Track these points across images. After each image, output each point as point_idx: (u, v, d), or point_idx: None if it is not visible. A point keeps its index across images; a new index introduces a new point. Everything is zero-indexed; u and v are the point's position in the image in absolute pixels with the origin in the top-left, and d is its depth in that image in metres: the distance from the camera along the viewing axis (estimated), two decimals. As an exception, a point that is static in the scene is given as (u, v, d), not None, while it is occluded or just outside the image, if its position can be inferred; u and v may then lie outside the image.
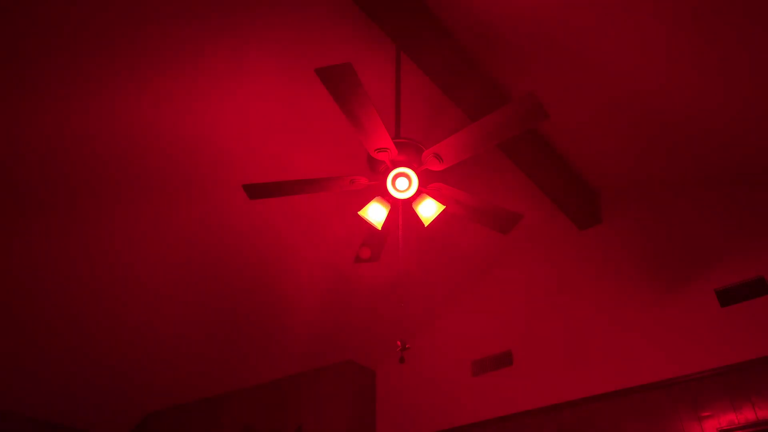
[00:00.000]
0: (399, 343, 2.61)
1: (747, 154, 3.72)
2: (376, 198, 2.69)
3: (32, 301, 4.07)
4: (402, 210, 3.04)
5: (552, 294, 4.58)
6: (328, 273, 4.49)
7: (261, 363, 5.14)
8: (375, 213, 2.66)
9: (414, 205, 2.69)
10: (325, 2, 3.02)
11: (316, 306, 4.71)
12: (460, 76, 3.30)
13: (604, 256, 4.45)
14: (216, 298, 4.45)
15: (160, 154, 3.45)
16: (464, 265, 4.90)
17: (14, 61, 2.84)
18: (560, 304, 4.49)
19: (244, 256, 4.20)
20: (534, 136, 3.82)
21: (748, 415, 3.38)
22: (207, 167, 3.60)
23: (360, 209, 2.67)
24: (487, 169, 4.14)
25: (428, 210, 2.64)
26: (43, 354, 4.52)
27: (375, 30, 3.18)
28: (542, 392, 4.23)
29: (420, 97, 3.58)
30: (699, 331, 3.77)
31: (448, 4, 3.02)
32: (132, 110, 3.20)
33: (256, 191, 2.67)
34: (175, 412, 5.60)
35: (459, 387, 4.70)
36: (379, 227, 2.67)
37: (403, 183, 2.57)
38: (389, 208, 2.70)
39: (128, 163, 3.45)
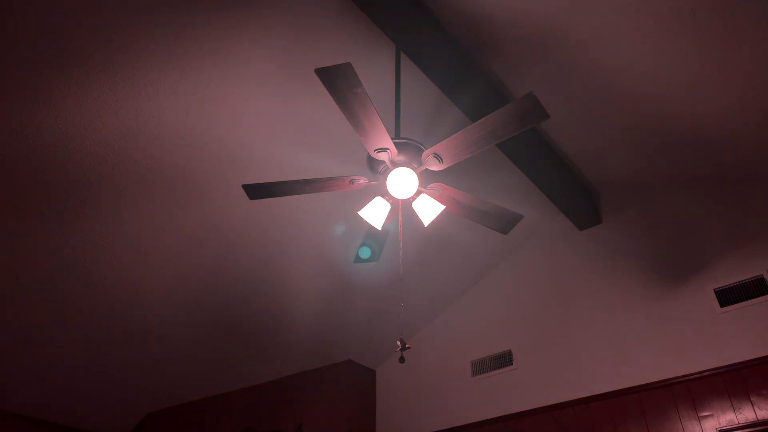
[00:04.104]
0: (399, 342, 2.61)
1: (747, 154, 3.72)
2: (376, 198, 2.69)
3: (32, 300, 4.07)
4: (402, 210, 3.04)
5: (552, 294, 4.58)
6: (328, 273, 4.49)
7: (261, 363, 5.15)
8: (375, 213, 2.66)
9: (414, 205, 2.69)
10: (326, 2, 3.02)
11: (316, 306, 4.71)
12: (460, 76, 3.30)
13: (604, 256, 4.45)
14: (216, 297, 4.45)
15: (160, 154, 3.45)
16: (464, 265, 4.90)
17: (14, 59, 2.84)
18: (560, 303, 4.49)
19: (243, 256, 4.20)
20: (534, 136, 3.82)
21: (748, 415, 3.38)
22: (207, 167, 3.60)
23: (360, 209, 2.67)
24: (487, 169, 4.14)
25: (428, 210, 2.64)
26: (43, 354, 4.52)
27: (375, 30, 3.18)
28: (542, 392, 4.23)
29: (420, 97, 3.59)
30: (699, 331, 3.77)
31: (447, 4, 3.02)
32: (133, 110, 3.20)
33: (256, 191, 2.67)
34: (175, 412, 5.60)
35: (459, 387, 4.70)
36: (379, 227, 2.67)
37: (403, 183, 2.57)
38: (389, 208, 2.70)
39: (128, 164, 3.45)
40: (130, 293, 4.22)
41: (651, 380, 3.80)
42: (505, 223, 2.92)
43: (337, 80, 2.15)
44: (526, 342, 4.53)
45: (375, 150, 2.49)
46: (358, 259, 3.16)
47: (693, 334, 3.79)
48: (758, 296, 3.64)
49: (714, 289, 3.83)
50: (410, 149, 2.59)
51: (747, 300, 3.67)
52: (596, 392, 3.99)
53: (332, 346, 5.04)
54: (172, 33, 2.94)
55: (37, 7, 2.67)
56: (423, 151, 2.59)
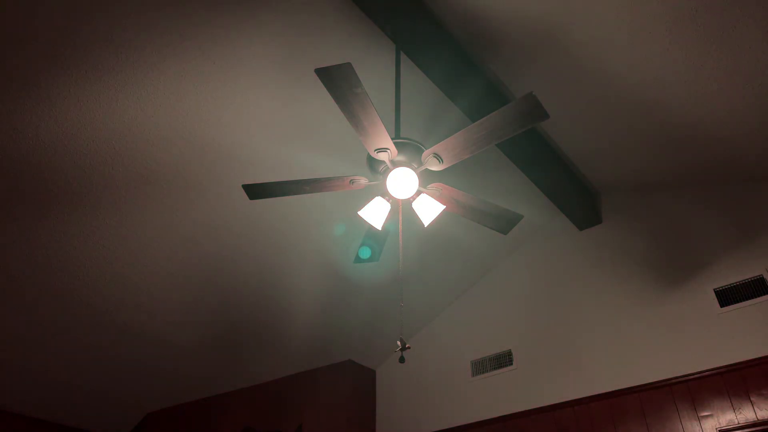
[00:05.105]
0: (399, 342, 2.61)
1: (747, 155, 3.72)
2: (376, 198, 2.69)
3: (32, 300, 4.07)
4: (402, 210, 3.04)
5: (552, 294, 4.58)
6: (328, 273, 4.49)
7: (261, 363, 5.15)
8: (375, 213, 2.66)
9: (414, 205, 2.69)
10: (325, 2, 3.02)
11: (316, 306, 4.71)
12: (460, 76, 3.30)
13: (604, 256, 4.45)
14: (216, 297, 4.45)
15: (160, 154, 3.45)
16: (464, 265, 4.90)
17: (14, 59, 2.84)
18: (560, 304, 4.49)
19: (243, 256, 4.20)
20: (534, 136, 3.82)
21: (748, 415, 3.38)
22: (207, 167, 3.60)
23: (360, 209, 2.67)
24: (487, 169, 4.14)
25: (428, 210, 2.64)
26: (43, 354, 4.52)
27: (375, 30, 3.18)
28: (542, 392, 4.23)
29: (420, 97, 3.59)
30: (699, 331, 3.77)
31: (447, 4, 3.02)
32: (132, 110, 3.20)
33: (256, 191, 2.67)
34: (175, 412, 5.60)
35: (459, 387, 4.71)
36: (379, 227, 2.67)
37: (403, 183, 2.57)
38: (389, 208, 2.70)
39: (127, 164, 3.45)
40: (129, 293, 4.22)
41: (651, 380, 3.80)
42: (505, 223, 2.92)
43: (337, 80, 2.15)
44: (526, 342, 4.53)
45: (375, 150, 2.49)
46: (358, 259, 3.16)
47: (693, 334, 3.79)
48: (758, 296, 3.64)
49: (714, 289, 3.83)
50: (410, 149, 2.59)
51: (747, 300, 3.67)
52: (596, 392, 3.99)
53: (332, 346, 5.04)
54: (172, 33, 2.94)
55: (37, 8, 2.67)
56: (423, 151, 2.59)
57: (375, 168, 2.65)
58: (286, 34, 3.11)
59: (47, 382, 4.80)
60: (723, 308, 3.74)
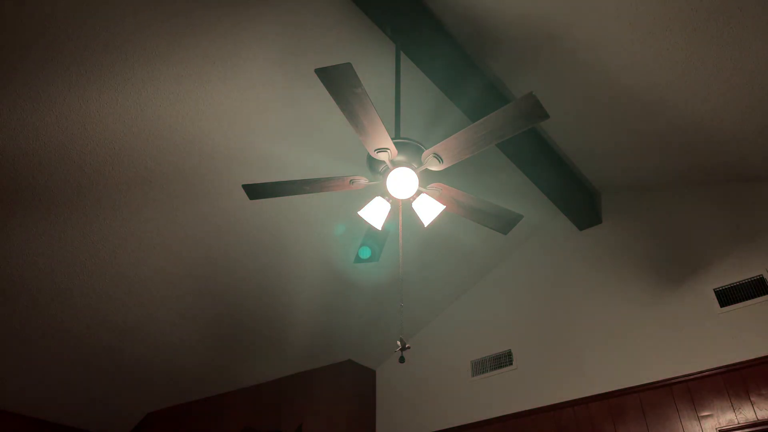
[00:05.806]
0: (399, 342, 2.61)
1: (747, 155, 3.72)
2: (376, 198, 2.69)
3: (32, 300, 4.07)
4: (402, 210, 3.04)
5: (552, 294, 4.58)
6: (328, 273, 4.49)
7: (261, 363, 5.15)
8: (375, 213, 2.66)
9: (414, 205, 2.69)
10: (325, 2, 3.02)
11: (315, 306, 4.71)
12: (460, 76, 3.30)
13: (604, 256, 4.45)
14: (216, 297, 4.45)
15: (160, 154, 3.45)
16: (464, 265, 4.90)
17: (14, 59, 2.84)
18: (560, 304, 4.49)
19: (243, 256, 4.20)
20: (534, 136, 3.83)
21: (748, 415, 3.38)
22: (206, 167, 3.60)
23: (360, 209, 2.67)
24: (487, 169, 4.14)
25: (428, 210, 2.64)
26: (44, 354, 4.53)
27: (375, 30, 3.18)
28: (542, 392, 4.23)
29: (420, 97, 3.59)
30: (699, 331, 3.77)
31: (447, 4, 3.02)
32: (132, 110, 3.20)
33: (256, 191, 2.67)
34: (175, 412, 5.60)
35: (459, 387, 4.71)
36: (379, 227, 2.67)
37: (403, 183, 2.57)
38: (389, 208, 2.70)
39: (128, 164, 3.45)
40: (130, 293, 4.22)
41: (651, 380, 3.80)
42: (505, 223, 2.92)
43: (337, 80, 2.15)
44: (526, 342, 4.53)
45: (375, 150, 2.49)
46: (358, 259, 3.16)
47: (693, 334, 3.79)
48: (758, 296, 3.64)
49: (714, 289, 3.83)
50: (410, 149, 2.59)
51: (747, 300, 3.67)
52: (596, 392, 3.99)
53: (332, 346, 5.04)
54: (172, 33, 2.94)
55: (37, 8, 2.67)
56: (423, 151, 2.59)
57: (375, 168, 2.65)
58: (287, 34, 3.11)
59: (47, 382, 4.80)
60: (723, 308, 3.74)
